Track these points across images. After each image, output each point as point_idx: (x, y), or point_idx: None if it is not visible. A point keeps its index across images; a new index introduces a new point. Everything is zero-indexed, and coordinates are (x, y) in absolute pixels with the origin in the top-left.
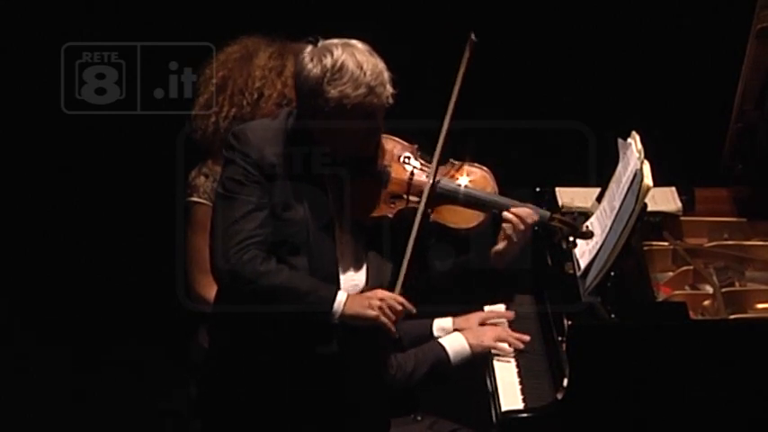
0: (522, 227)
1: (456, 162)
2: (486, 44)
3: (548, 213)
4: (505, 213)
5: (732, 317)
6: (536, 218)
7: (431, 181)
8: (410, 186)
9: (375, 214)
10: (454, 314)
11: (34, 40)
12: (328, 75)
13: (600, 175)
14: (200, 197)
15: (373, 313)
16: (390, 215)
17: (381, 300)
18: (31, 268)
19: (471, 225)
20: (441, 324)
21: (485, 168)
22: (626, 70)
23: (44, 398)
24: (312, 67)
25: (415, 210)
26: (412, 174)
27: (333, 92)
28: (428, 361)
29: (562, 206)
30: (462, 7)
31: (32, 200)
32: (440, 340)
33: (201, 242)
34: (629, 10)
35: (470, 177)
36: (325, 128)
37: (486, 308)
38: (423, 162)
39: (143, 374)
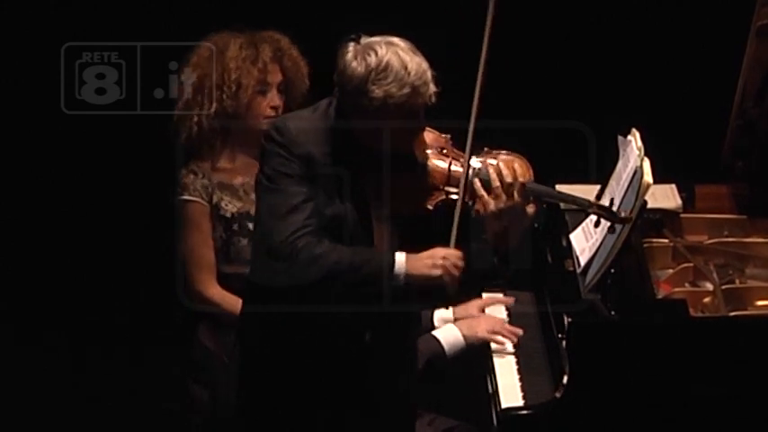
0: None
1: (491, 150)
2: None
3: (587, 202)
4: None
5: (732, 314)
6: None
7: (466, 165)
8: (449, 177)
9: (415, 207)
10: (453, 303)
11: (34, 40)
12: (373, 74)
13: (600, 173)
14: (191, 195)
15: (438, 272)
16: (431, 207)
17: (444, 258)
18: (32, 268)
19: None
20: (441, 315)
21: (520, 156)
22: (626, 68)
23: (44, 398)
24: (356, 66)
25: (455, 201)
26: (449, 164)
27: (377, 91)
28: (424, 355)
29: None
30: (462, 7)
31: (32, 200)
32: (434, 333)
33: (196, 240)
34: (629, 9)
35: (506, 165)
36: (367, 126)
37: (484, 295)
38: (458, 152)
39: (143, 374)
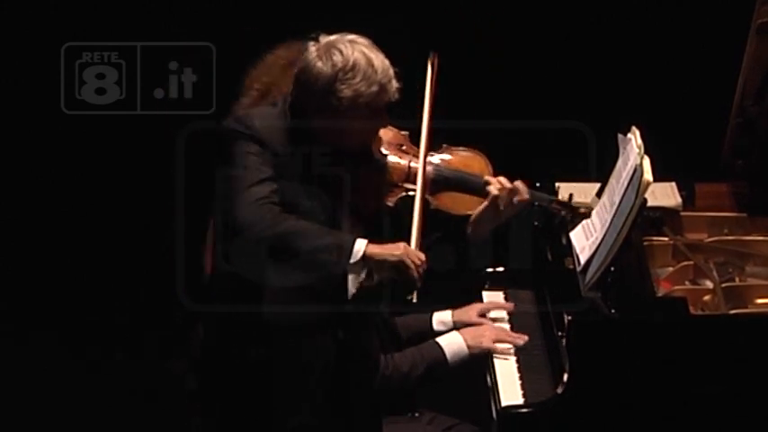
0: (504, 193)
1: (450, 147)
2: (486, 44)
3: (547, 197)
4: (489, 178)
5: (732, 312)
6: (525, 196)
7: (420, 164)
8: (408, 174)
9: (375, 204)
10: (453, 306)
11: (34, 40)
12: (341, 74)
13: (600, 172)
14: None
15: (398, 253)
16: (391, 204)
17: (405, 248)
18: (32, 268)
19: (471, 211)
20: (440, 317)
21: (479, 152)
22: (626, 67)
23: (44, 398)
24: (322, 66)
25: (413, 197)
26: (409, 161)
27: (346, 91)
28: (425, 362)
29: (558, 187)
30: (463, 7)
31: (32, 200)
32: (437, 340)
33: None
34: (628, 9)
35: (464, 162)
36: (330, 125)
37: (485, 294)
38: (417, 149)
39: (143, 374)
